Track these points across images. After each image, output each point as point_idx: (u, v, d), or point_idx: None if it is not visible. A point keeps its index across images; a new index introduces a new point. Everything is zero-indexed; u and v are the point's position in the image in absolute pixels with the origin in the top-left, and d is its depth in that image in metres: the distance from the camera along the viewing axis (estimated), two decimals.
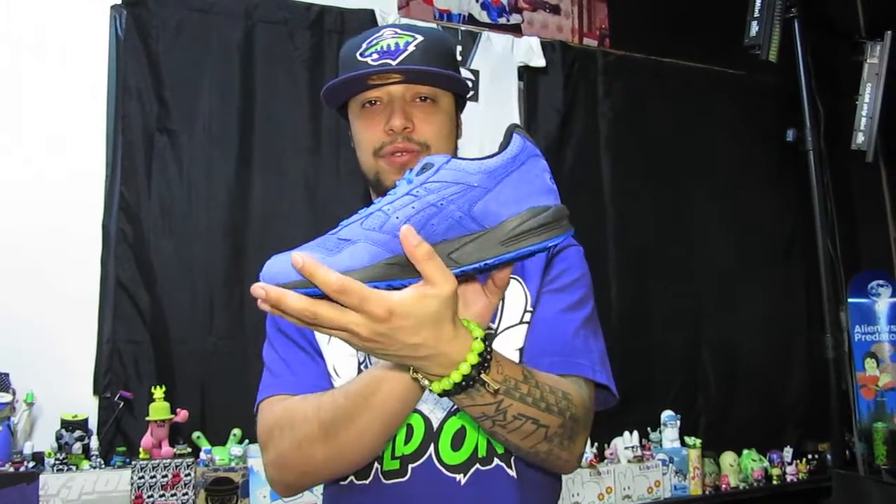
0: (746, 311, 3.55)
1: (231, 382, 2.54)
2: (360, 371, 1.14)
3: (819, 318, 3.26)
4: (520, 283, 1.20)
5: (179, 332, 2.57)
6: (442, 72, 1.17)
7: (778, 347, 3.62)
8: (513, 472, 1.14)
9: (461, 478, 1.11)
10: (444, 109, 1.21)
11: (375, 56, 1.15)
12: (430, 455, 1.12)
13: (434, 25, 3.08)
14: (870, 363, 3.59)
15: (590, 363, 1.13)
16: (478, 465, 1.12)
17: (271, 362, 1.20)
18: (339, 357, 1.16)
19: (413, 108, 1.17)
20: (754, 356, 3.54)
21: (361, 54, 1.17)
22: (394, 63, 1.14)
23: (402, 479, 1.11)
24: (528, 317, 1.18)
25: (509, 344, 1.16)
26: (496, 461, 1.13)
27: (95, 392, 2.49)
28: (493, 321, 1.17)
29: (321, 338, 1.18)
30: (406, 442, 1.12)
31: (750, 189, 3.66)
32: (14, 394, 2.35)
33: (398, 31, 1.18)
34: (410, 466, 1.11)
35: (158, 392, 2.39)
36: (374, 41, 1.17)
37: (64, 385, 2.45)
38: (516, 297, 1.19)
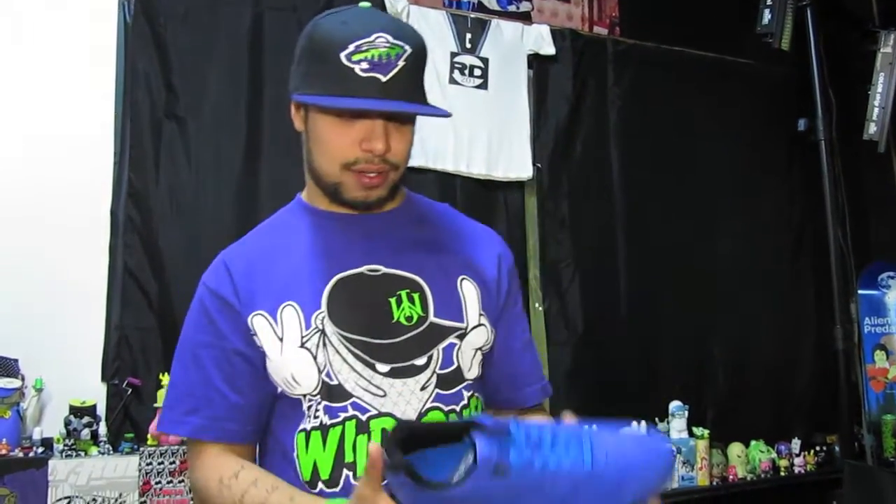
0: (756, 302, 3.53)
1: None
2: (319, 379, 1.12)
3: (829, 310, 3.24)
4: (472, 283, 1.22)
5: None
6: (430, 112, 1.14)
7: (787, 339, 3.60)
8: None
9: None
10: (413, 126, 1.19)
11: (365, 66, 1.08)
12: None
13: (442, 13, 3.07)
14: (879, 355, 3.57)
15: (546, 381, 1.34)
16: None
17: (203, 374, 1.17)
18: (298, 366, 1.13)
19: (390, 128, 1.13)
20: (763, 347, 3.52)
21: (348, 57, 1.08)
22: (384, 79, 1.08)
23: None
24: (483, 319, 1.20)
25: (474, 344, 1.19)
26: None
27: (104, 378, 2.50)
28: (462, 320, 1.18)
29: (271, 343, 1.14)
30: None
31: (760, 178, 3.64)
32: (23, 380, 2.35)
33: (390, 39, 1.10)
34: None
35: (166, 379, 2.39)
36: (365, 46, 1.09)
37: (72, 371, 2.46)
38: (473, 297, 1.21)
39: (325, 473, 1.11)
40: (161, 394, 2.39)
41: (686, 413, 3.13)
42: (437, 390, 1.14)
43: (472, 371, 1.18)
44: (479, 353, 1.20)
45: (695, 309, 3.40)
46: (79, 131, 2.58)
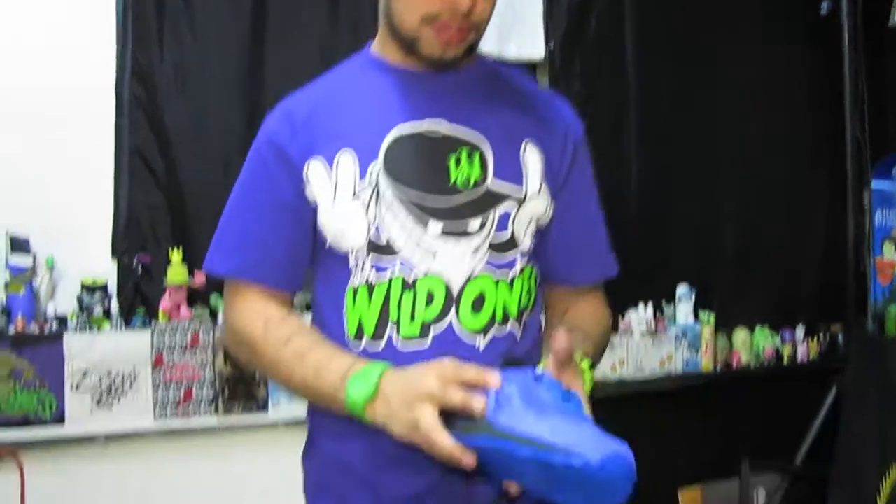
0: (768, 188, 3.49)
1: None
2: (368, 234, 1.12)
3: (841, 199, 3.21)
4: (537, 149, 1.19)
5: (195, 196, 2.55)
6: None
7: (797, 226, 3.58)
8: (519, 334, 1.16)
9: (480, 343, 1.11)
10: None
11: None
12: (451, 320, 1.11)
13: None
14: (888, 248, 3.56)
15: (612, 258, 1.31)
16: (494, 330, 1.12)
17: (252, 218, 1.19)
18: (349, 218, 1.13)
19: None
20: (773, 233, 3.50)
21: None
22: None
23: (423, 345, 1.10)
24: (544, 188, 1.18)
25: (532, 213, 1.17)
26: (510, 324, 1.14)
27: (114, 256, 2.51)
28: (521, 186, 1.16)
29: (324, 191, 1.14)
30: (427, 305, 1.10)
31: (779, 61, 3.53)
32: (34, 258, 2.37)
33: None
34: (432, 332, 1.10)
35: (176, 255, 2.41)
36: None
37: (83, 250, 2.48)
38: (536, 163, 1.18)
39: (369, 330, 1.12)
40: (170, 271, 2.41)
41: (693, 297, 3.15)
42: (489, 256, 1.13)
43: (526, 240, 1.16)
44: (535, 222, 1.18)
45: (706, 192, 3.37)
46: (80, 9, 2.52)
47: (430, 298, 1.10)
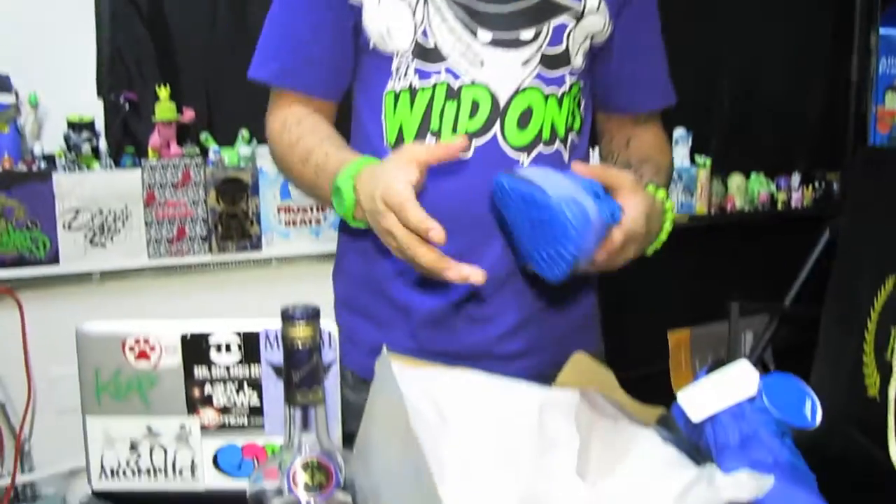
0: (770, 27, 3.36)
1: (237, 81, 2.40)
2: (414, 36, 1.07)
3: (847, 43, 3.11)
4: None
5: (181, 29, 2.45)
6: None
7: (799, 71, 3.49)
8: (566, 155, 1.13)
9: (524, 159, 1.09)
10: None
11: None
12: (496, 133, 1.08)
13: None
14: (890, 97, 3.50)
15: (672, 87, 1.28)
16: (541, 148, 1.10)
17: (291, 21, 1.14)
18: (395, 18, 1.08)
19: None
20: (773, 78, 3.42)
21: None
22: None
23: (465, 156, 1.07)
24: (602, 6, 1.12)
25: (588, 29, 1.12)
26: (557, 144, 1.12)
27: (99, 93, 2.44)
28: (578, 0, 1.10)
29: None
30: (471, 116, 1.07)
31: None
32: (17, 96, 2.31)
33: None
34: (474, 144, 1.08)
35: (163, 92, 2.35)
36: None
37: (67, 87, 2.40)
38: None
39: (409, 137, 1.09)
40: (158, 107, 2.36)
41: (689, 140, 3.11)
42: (539, 69, 1.09)
43: (578, 58, 1.12)
44: (590, 40, 1.13)
45: (705, 34, 3.24)
46: None
47: (474, 109, 1.07)
